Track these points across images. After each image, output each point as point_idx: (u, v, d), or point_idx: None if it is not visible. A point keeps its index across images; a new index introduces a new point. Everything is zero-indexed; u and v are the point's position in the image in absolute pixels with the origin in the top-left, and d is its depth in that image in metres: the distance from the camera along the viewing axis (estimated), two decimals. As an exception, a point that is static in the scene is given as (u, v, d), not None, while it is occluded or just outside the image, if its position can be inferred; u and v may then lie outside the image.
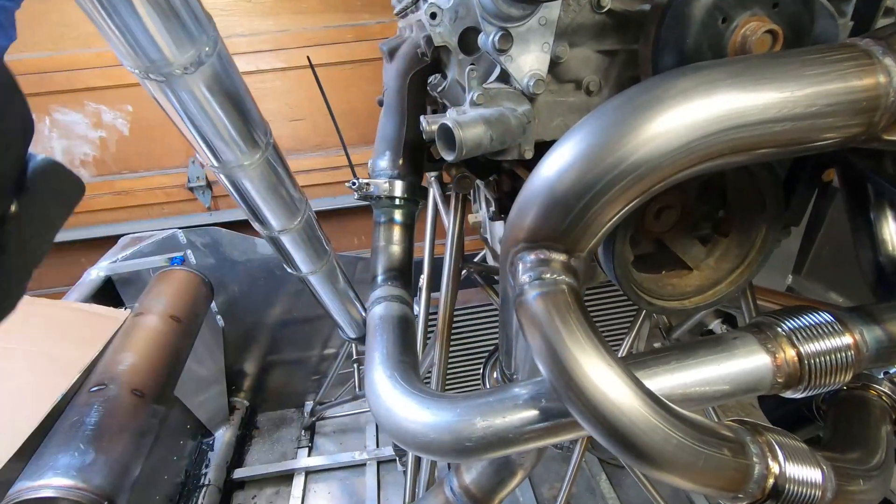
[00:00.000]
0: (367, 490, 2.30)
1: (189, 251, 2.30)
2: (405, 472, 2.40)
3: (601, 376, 0.44)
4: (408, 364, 0.66)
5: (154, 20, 0.47)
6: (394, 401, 0.61)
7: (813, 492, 0.46)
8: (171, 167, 2.43)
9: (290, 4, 2.22)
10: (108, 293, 2.04)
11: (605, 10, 0.65)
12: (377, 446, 2.53)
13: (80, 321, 1.59)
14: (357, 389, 2.31)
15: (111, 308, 1.69)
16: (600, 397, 0.44)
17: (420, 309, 1.17)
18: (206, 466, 2.36)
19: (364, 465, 2.45)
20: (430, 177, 1.23)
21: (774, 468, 0.45)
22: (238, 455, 2.52)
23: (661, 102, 0.43)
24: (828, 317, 0.57)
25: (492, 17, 0.62)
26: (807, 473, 0.46)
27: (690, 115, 0.43)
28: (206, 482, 2.27)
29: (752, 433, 0.48)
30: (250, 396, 2.84)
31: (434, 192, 1.23)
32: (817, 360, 0.55)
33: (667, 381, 0.56)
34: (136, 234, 2.29)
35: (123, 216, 2.45)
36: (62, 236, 2.43)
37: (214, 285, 2.24)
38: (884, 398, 0.67)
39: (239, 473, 2.40)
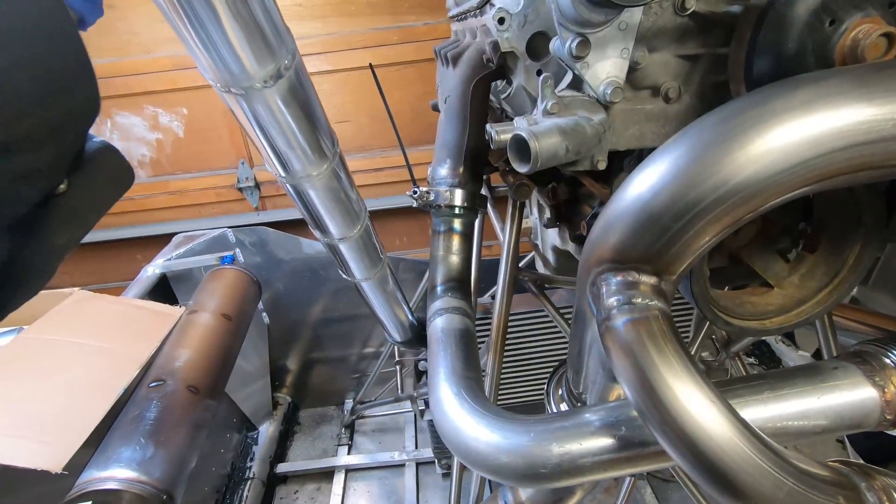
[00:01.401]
0: (407, 491, 2.30)
1: (238, 250, 2.36)
2: (444, 475, 2.39)
3: (699, 409, 0.41)
4: (473, 381, 0.64)
5: (238, 34, 0.47)
6: (462, 420, 0.59)
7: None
8: (222, 168, 2.50)
9: (339, 7, 2.24)
10: (163, 290, 2.12)
11: (689, 12, 0.62)
12: (416, 447, 2.53)
13: (140, 317, 1.65)
14: (399, 391, 2.31)
15: (167, 305, 1.75)
16: (699, 431, 0.41)
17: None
18: (251, 460, 2.42)
19: (403, 465, 2.45)
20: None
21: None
22: (281, 450, 2.57)
23: (775, 115, 0.40)
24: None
25: (570, 23, 0.59)
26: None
27: (811, 130, 0.39)
28: (251, 475, 2.33)
29: (864, 477, 0.44)
30: (292, 393, 2.89)
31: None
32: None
33: (760, 412, 0.52)
34: (188, 233, 2.37)
35: (177, 215, 2.54)
36: (121, 233, 2.55)
37: (261, 283, 2.30)
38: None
39: (282, 468, 2.45)
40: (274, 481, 2.42)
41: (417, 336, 1.38)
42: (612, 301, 0.46)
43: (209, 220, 2.54)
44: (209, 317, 1.69)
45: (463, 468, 1.43)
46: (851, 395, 0.51)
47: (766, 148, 0.40)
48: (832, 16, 0.51)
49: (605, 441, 0.53)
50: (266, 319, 2.58)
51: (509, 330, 1.63)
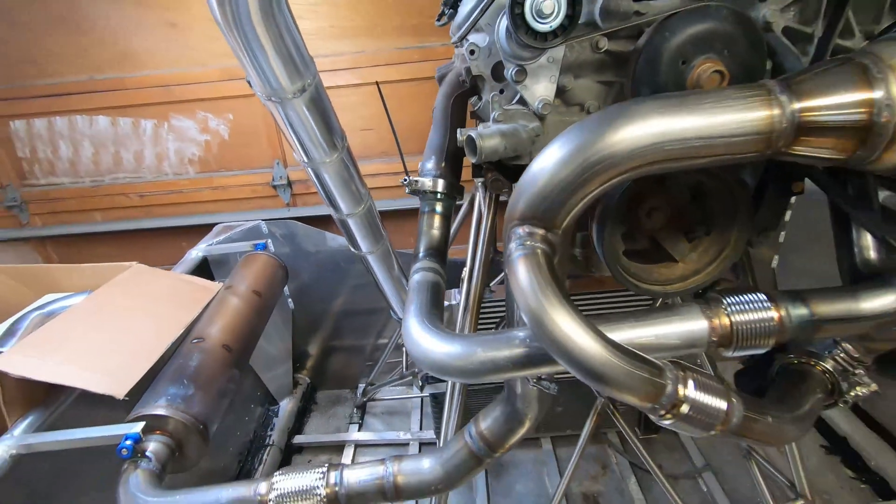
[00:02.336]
0: (408, 466, 2.51)
1: (269, 240, 2.65)
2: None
3: (559, 316, 0.63)
4: (434, 315, 0.88)
5: (277, 62, 0.72)
6: (423, 338, 0.82)
7: (717, 412, 0.62)
8: (259, 167, 2.81)
9: (368, 29, 2.53)
10: (203, 270, 2.42)
11: (603, 50, 0.84)
12: (420, 429, 2.74)
13: (185, 289, 1.94)
14: (404, 370, 2.54)
15: (208, 280, 2.04)
16: (558, 331, 0.63)
17: (461, 296, 1.39)
18: (271, 430, 2.69)
19: (407, 444, 2.67)
20: (477, 182, 1.45)
21: (682, 392, 0.61)
22: (298, 424, 2.83)
23: (616, 122, 0.62)
24: (762, 297, 0.72)
25: (510, 57, 0.82)
26: (712, 401, 0.62)
27: (637, 132, 0.61)
28: (271, 443, 2.59)
29: (677, 368, 0.64)
30: (311, 375, 3.16)
31: (479, 196, 1.44)
32: (744, 327, 0.70)
33: (628, 333, 0.74)
34: (227, 224, 2.68)
35: (218, 207, 2.86)
36: (169, 222, 2.89)
37: (288, 271, 2.58)
38: (826, 374, 0.80)
39: (298, 439, 2.71)
40: (290, 450, 2.68)
41: None
42: (513, 245, 0.68)
43: (246, 213, 2.84)
44: (242, 292, 1.97)
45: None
46: (690, 324, 0.72)
47: (608, 142, 0.62)
48: (684, 58, 0.73)
49: (515, 350, 0.75)
50: (291, 305, 2.87)
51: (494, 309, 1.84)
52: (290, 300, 2.85)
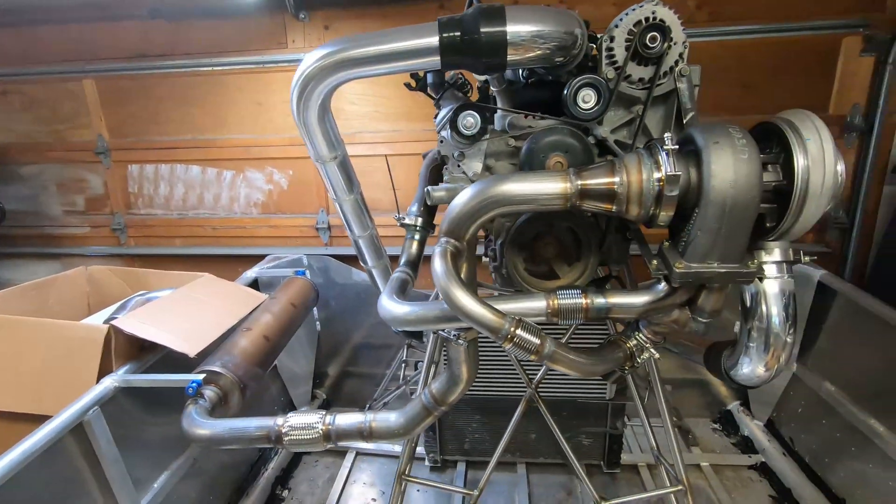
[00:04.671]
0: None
1: (308, 270, 3.29)
2: (432, 468, 2.98)
3: (453, 287, 1.17)
4: (399, 295, 1.42)
5: (322, 141, 1.35)
6: (388, 304, 1.36)
7: (533, 345, 1.12)
8: (307, 213, 3.51)
9: (405, 113, 3.24)
10: (254, 287, 3.06)
11: (512, 145, 1.43)
12: (415, 445, 3.15)
13: (241, 294, 2.56)
14: (401, 380, 3.02)
15: (257, 292, 2.66)
16: (453, 296, 1.16)
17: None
18: (288, 430, 3.17)
19: (397, 456, 3.07)
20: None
21: (514, 330, 1.12)
22: (311, 430, 3.30)
23: (497, 183, 1.19)
24: (577, 291, 1.23)
25: (454, 146, 1.43)
26: (532, 338, 1.12)
27: (501, 189, 1.17)
28: (286, 440, 3.07)
29: (514, 320, 1.15)
30: (328, 392, 3.65)
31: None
32: (565, 306, 1.20)
33: (505, 304, 1.25)
34: (276, 255, 3.35)
35: (272, 242, 3.55)
36: (232, 251, 3.59)
37: (321, 298, 3.18)
38: (628, 346, 1.28)
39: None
40: (302, 451, 3.14)
41: None
42: (436, 248, 1.24)
43: (292, 248, 3.51)
44: (282, 302, 2.57)
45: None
46: (538, 302, 1.23)
47: (482, 197, 1.19)
48: (544, 154, 1.30)
49: (435, 311, 1.28)
50: (319, 327, 3.44)
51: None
52: (318, 323, 3.43)
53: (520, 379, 2.18)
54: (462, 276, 1.26)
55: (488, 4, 1.13)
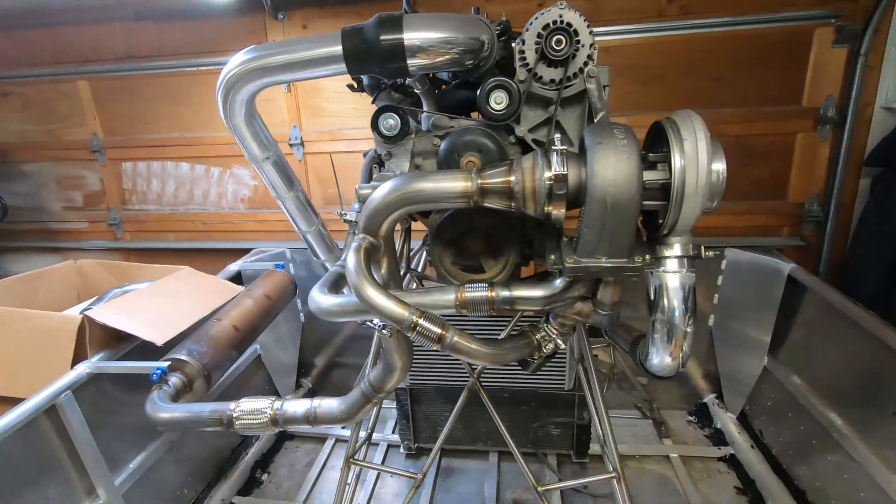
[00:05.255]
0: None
1: (291, 263, 3.40)
2: (407, 455, 3.07)
3: (363, 282, 1.24)
4: (329, 289, 1.50)
5: (251, 144, 1.43)
6: (317, 297, 1.45)
7: (435, 334, 1.19)
8: (292, 208, 3.61)
9: (382, 110, 3.33)
10: (237, 280, 3.18)
11: (437, 145, 1.49)
12: (393, 432, 3.25)
13: (217, 287, 2.68)
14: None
15: (234, 284, 2.77)
16: (362, 289, 1.23)
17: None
18: (272, 417, 3.30)
19: (378, 444, 3.18)
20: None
21: (417, 321, 1.19)
22: (294, 417, 3.42)
23: (398, 184, 1.25)
24: (484, 285, 1.29)
25: (383, 146, 1.49)
26: (433, 328, 1.19)
27: (411, 187, 1.24)
28: (269, 426, 3.20)
29: (418, 311, 1.22)
30: (314, 381, 3.77)
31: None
32: (471, 299, 1.27)
33: (416, 297, 1.32)
34: (261, 249, 3.46)
35: (258, 236, 3.67)
36: (219, 244, 3.72)
37: (302, 291, 3.28)
38: (536, 338, 1.34)
39: (291, 428, 3.29)
40: (284, 435, 3.27)
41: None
42: (354, 243, 1.31)
43: (278, 242, 3.62)
44: (257, 295, 2.67)
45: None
46: (448, 295, 1.30)
47: (394, 194, 1.26)
48: (458, 153, 1.36)
49: (354, 303, 1.35)
50: (302, 318, 3.55)
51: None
52: (302, 314, 3.54)
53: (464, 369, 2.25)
54: (383, 270, 1.33)
55: (387, 14, 1.18)
